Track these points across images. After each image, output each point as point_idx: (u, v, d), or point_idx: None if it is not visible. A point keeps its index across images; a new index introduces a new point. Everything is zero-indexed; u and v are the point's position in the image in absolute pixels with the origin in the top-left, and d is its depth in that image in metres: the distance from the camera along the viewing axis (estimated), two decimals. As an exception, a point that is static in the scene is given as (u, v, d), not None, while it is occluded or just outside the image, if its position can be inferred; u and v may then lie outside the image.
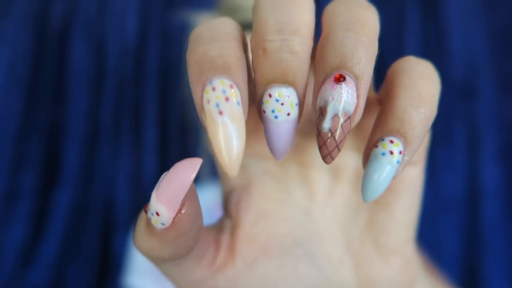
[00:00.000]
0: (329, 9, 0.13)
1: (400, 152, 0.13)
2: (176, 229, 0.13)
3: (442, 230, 0.72)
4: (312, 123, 0.13)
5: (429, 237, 0.72)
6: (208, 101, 0.12)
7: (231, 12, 0.46)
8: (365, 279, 0.17)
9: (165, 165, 0.74)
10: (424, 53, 0.75)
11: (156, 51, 0.73)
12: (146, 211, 0.13)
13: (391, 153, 0.13)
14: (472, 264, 0.73)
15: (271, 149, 0.14)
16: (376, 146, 0.13)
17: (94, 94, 0.73)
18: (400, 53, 0.76)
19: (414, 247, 0.17)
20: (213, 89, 0.12)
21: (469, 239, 0.73)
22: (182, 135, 0.72)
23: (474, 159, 0.74)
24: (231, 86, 0.12)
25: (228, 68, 0.12)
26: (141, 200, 0.70)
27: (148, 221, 0.13)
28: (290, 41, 0.12)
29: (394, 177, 0.13)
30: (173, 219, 0.13)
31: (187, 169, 0.13)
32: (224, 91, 0.12)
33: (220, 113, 0.12)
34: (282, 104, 0.12)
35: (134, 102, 0.73)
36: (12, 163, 0.72)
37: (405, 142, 0.13)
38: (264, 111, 0.13)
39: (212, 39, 0.12)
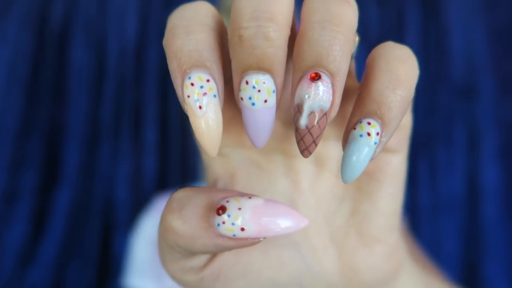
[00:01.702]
0: (306, 4, 0.13)
1: (378, 134, 0.13)
2: (238, 245, 0.13)
3: (442, 230, 0.72)
4: (290, 107, 0.13)
5: (429, 237, 0.72)
6: (188, 96, 0.13)
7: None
8: (349, 268, 0.17)
9: (165, 165, 0.75)
10: (424, 53, 0.75)
11: (156, 51, 0.73)
12: (218, 211, 0.13)
13: (369, 134, 0.13)
14: (472, 264, 0.73)
15: (250, 136, 0.14)
16: (354, 128, 0.13)
17: (94, 94, 0.73)
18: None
19: (399, 236, 0.17)
20: (192, 84, 0.13)
21: (469, 239, 0.73)
22: (182, 135, 0.72)
23: (474, 159, 0.74)
24: (208, 80, 0.13)
25: (204, 62, 0.13)
26: (141, 200, 0.70)
27: (210, 217, 0.13)
28: (265, 28, 0.12)
29: (372, 158, 0.13)
30: (249, 239, 0.13)
31: (295, 219, 0.13)
32: (201, 87, 0.13)
33: (200, 107, 0.13)
34: (259, 91, 0.13)
35: (134, 102, 0.74)
36: (12, 163, 0.72)
37: (382, 124, 0.13)
38: (242, 98, 0.13)
39: (188, 30, 0.13)
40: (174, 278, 0.16)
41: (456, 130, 0.75)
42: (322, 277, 0.16)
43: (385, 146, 0.14)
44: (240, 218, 0.12)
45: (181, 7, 0.14)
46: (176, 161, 0.73)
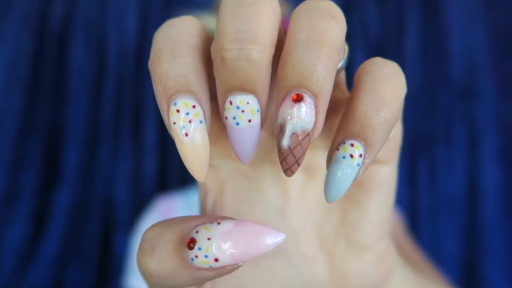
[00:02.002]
0: (293, 18, 0.13)
1: (361, 155, 0.13)
2: (218, 274, 0.13)
3: (442, 230, 0.72)
4: (274, 126, 0.13)
5: (429, 237, 0.72)
6: (174, 123, 0.13)
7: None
8: (339, 275, 0.17)
9: (165, 165, 0.75)
10: (424, 53, 0.75)
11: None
12: (189, 245, 0.12)
13: (351, 156, 0.13)
14: (472, 264, 0.73)
15: (235, 153, 0.14)
16: (338, 149, 0.13)
17: (94, 94, 0.73)
18: (400, 53, 0.77)
19: (388, 243, 0.17)
20: (178, 111, 0.12)
21: (469, 239, 0.73)
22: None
23: (474, 159, 0.74)
24: (194, 106, 0.12)
25: (190, 87, 0.12)
26: (141, 200, 0.70)
27: (183, 252, 0.13)
28: (248, 50, 0.12)
29: (355, 179, 0.13)
30: (227, 267, 0.12)
31: (270, 236, 0.13)
32: (187, 113, 0.12)
33: (186, 134, 0.12)
34: (243, 111, 0.12)
35: (134, 102, 0.74)
36: (12, 163, 0.72)
37: (366, 145, 0.13)
38: (226, 118, 0.13)
39: (173, 53, 0.13)
40: None
41: (456, 130, 0.75)
42: (313, 284, 0.16)
43: (371, 163, 0.14)
44: (211, 249, 0.12)
45: (167, 24, 0.14)
46: (176, 162, 0.73)
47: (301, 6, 0.13)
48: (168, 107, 0.12)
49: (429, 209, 0.72)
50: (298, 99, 0.12)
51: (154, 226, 0.14)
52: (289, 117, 0.12)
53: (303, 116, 0.12)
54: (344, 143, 0.13)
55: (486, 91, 0.74)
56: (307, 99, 0.12)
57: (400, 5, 0.76)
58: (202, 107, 0.12)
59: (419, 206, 0.71)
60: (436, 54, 0.74)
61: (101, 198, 0.71)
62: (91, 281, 0.70)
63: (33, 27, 0.73)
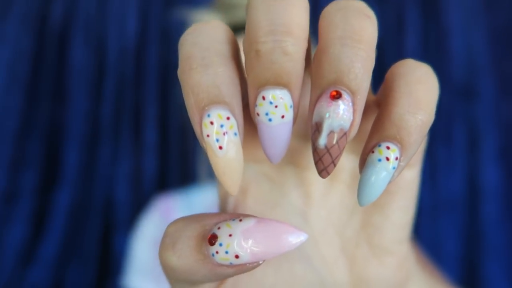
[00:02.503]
0: (325, 17, 0.13)
1: (396, 158, 0.13)
2: (238, 271, 0.13)
3: (442, 230, 0.72)
4: (308, 124, 0.13)
5: (429, 237, 0.72)
6: (208, 135, 0.12)
7: (226, 9, 0.46)
8: (359, 279, 0.16)
9: (165, 166, 0.75)
10: (424, 53, 0.75)
11: (156, 51, 0.73)
12: (210, 241, 0.12)
13: (387, 159, 0.13)
14: (472, 264, 0.73)
15: (266, 152, 0.13)
16: (373, 152, 0.13)
17: (94, 94, 0.73)
18: (400, 53, 0.77)
19: (408, 247, 0.17)
20: (211, 123, 0.12)
21: (469, 239, 0.73)
22: (182, 135, 0.72)
23: (474, 159, 0.74)
24: (228, 118, 0.12)
25: (223, 98, 0.12)
26: (141, 200, 0.70)
27: (204, 247, 0.13)
28: (283, 42, 0.12)
29: (389, 182, 0.13)
30: (247, 264, 0.12)
31: (292, 235, 0.12)
32: (222, 126, 0.12)
33: (220, 148, 0.12)
34: (276, 106, 0.12)
35: (134, 102, 0.73)
36: (12, 163, 0.72)
37: (402, 148, 0.13)
38: (258, 114, 0.12)
39: (204, 63, 0.12)
40: None
41: (456, 130, 0.75)
42: None
43: (405, 166, 0.13)
44: (232, 245, 0.12)
45: (193, 29, 0.13)
46: (175, 162, 0.73)
47: (332, 5, 0.13)
48: (201, 119, 0.12)
49: (429, 209, 0.72)
50: (337, 96, 0.12)
51: (176, 221, 0.14)
52: (327, 115, 0.12)
53: (341, 114, 0.12)
54: (380, 145, 0.13)
55: (486, 91, 0.74)
56: (345, 97, 0.12)
57: (400, 5, 0.76)
58: (236, 118, 0.12)
59: (419, 206, 0.71)
60: (436, 54, 0.74)
61: (101, 198, 0.71)
62: (91, 281, 0.70)
63: (33, 27, 0.73)
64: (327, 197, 0.17)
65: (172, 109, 0.73)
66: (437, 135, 0.74)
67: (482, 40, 0.75)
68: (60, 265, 0.71)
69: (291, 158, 0.16)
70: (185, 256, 0.13)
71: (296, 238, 0.12)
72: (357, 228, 0.16)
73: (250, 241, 0.12)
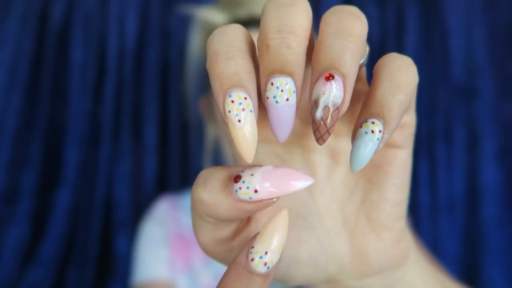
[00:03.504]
0: (324, 18, 0.16)
1: (380, 131, 0.15)
2: (256, 207, 0.15)
3: (442, 230, 0.73)
4: (309, 103, 0.16)
5: (429, 237, 0.72)
6: (229, 111, 0.15)
7: (230, 4, 0.47)
8: (359, 251, 0.19)
9: (165, 165, 0.75)
10: (424, 53, 0.75)
11: (155, 51, 0.73)
12: (235, 179, 0.15)
13: (373, 132, 0.15)
14: (472, 264, 0.73)
15: (273, 131, 0.16)
16: (361, 127, 0.16)
17: (94, 94, 0.73)
18: (400, 53, 0.77)
19: (404, 225, 0.20)
20: (232, 102, 0.15)
21: (469, 239, 0.73)
22: (182, 135, 0.73)
23: (474, 159, 0.74)
24: (245, 98, 0.15)
25: (242, 83, 0.15)
26: (141, 200, 0.70)
27: (230, 185, 0.15)
28: (287, 39, 0.15)
29: (375, 151, 0.16)
30: (263, 200, 0.15)
31: (301, 178, 0.16)
32: (240, 103, 0.15)
33: (239, 121, 0.15)
34: (282, 90, 0.15)
35: (134, 102, 0.74)
36: (12, 163, 0.72)
37: (384, 123, 0.15)
38: (267, 97, 0.15)
39: (228, 56, 0.15)
40: (206, 251, 0.19)
41: (456, 130, 0.75)
42: (335, 257, 0.19)
43: (388, 141, 0.17)
44: (253, 182, 0.15)
45: (219, 31, 0.16)
46: (176, 162, 0.73)
47: (330, 10, 0.16)
48: (224, 99, 0.15)
49: (429, 209, 0.72)
50: (330, 77, 0.15)
51: (208, 167, 0.17)
52: (322, 93, 0.15)
53: (334, 92, 0.15)
54: (366, 121, 0.15)
55: (486, 91, 0.75)
56: (337, 78, 0.15)
57: (400, 5, 0.76)
58: (252, 100, 0.15)
59: (419, 205, 0.71)
60: (436, 54, 0.74)
61: (101, 198, 0.72)
62: (91, 281, 0.70)
63: (33, 27, 0.73)
64: (330, 176, 0.20)
65: (172, 109, 0.73)
66: (437, 135, 0.74)
67: (482, 40, 0.75)
68: (60, 265, 0.71)
69: (299, 141, 0.20)
70: (214, 192, 0.16)
71: (305, 181, 0.15)
72: (357, 204, 0.19)
73: (267, 180, 0.15)
